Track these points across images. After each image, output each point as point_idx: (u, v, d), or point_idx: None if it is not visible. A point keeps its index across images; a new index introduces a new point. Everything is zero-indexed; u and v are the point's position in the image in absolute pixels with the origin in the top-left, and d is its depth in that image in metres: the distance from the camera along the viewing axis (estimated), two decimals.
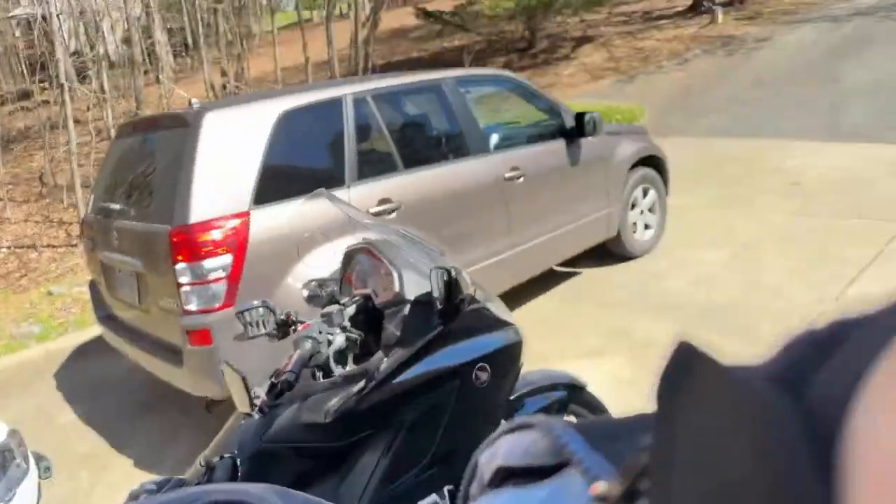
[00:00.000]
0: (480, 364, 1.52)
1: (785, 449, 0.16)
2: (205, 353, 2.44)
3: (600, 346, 3.38)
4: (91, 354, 4.22)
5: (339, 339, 1.49)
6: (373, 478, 1.43)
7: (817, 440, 0.15)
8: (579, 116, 3.82)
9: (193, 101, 2.89)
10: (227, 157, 2.59)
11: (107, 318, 3.31)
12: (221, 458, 1.47)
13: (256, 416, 1.51)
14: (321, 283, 1.95)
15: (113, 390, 3.69)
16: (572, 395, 1.96)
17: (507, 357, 1.62)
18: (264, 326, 1.69)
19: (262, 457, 1.44)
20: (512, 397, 1.74)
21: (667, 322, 3.46)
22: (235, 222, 2.51)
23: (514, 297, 4.05)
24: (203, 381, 2.53)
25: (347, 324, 1.57)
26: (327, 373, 1.61)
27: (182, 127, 2.65)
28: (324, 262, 2.62)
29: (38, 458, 1.31)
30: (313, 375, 1.61)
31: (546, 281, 4.13)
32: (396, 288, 1.53)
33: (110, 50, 12.82)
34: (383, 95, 3.17)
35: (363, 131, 3.03)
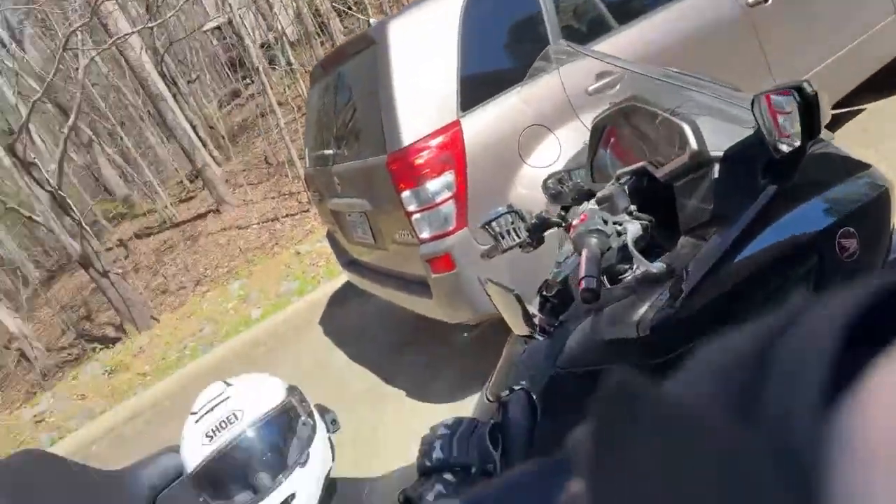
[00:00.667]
0: (844, 229, 1.04)
1: (758, 486, 0.15)
2: (450, 278, 2.28)
3: None
4: (346, 299, 4.51)
5: (633, 228, 1.12)
6: None
7: (788, 464, 0.15)
8: None
9: (371, 20, 2.65)
10: (423, 65, 2.32)
11: (349, 263, 3.39)
12: (511, 390, 1.24)
13: (540, 338, 1.23)
14: (560, 177, 1.58)
15: (372, 329, 3.87)
16: None
17: (876, 213, 1.10)
18: (516, 235, 1.39)
19: (558, 385, 1.18)
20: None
21: None
22: (448, 135, 2.25)
23: None
24: (455, 308, 2.40)
25: (634, 207, 1.19)
26: (613, 275, 1.27)
27: (369, 46, 2.44)
28: (551, 155, 2.27)
29: (323, 412, 1.19)
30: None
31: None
32: (693, 144, 1.09)
33: (287, 31, 13.65)
34: None
35: None
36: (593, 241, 1.08)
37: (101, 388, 5.23)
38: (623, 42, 2.51)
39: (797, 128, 0.91)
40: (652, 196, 1.25)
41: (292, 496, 1.09)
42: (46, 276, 16.37)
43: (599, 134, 1.53)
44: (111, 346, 6.84)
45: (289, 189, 11.69)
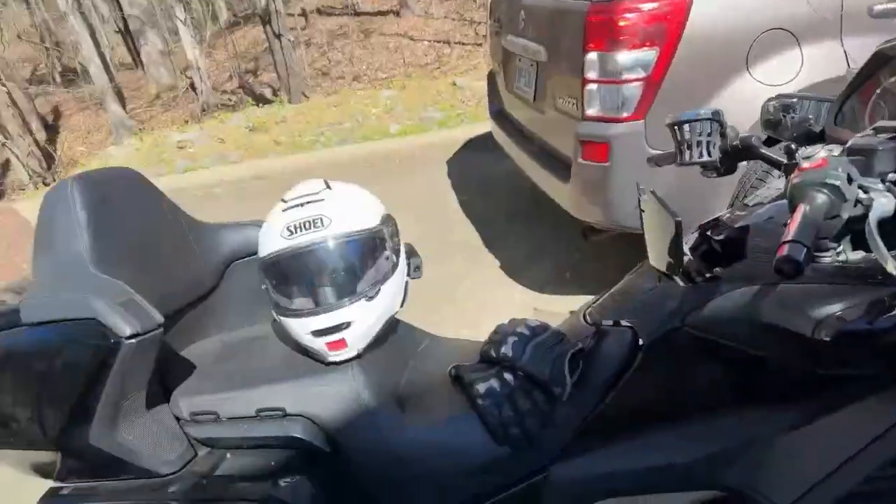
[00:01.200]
0: None
1: None
2: (598, 171, 1.99)
3: None
4: (481, 149, 4.32)
5: (885, 202, 0.79)
6: (867, 451, 0.80)
7: None
8: None
9: None
10: None
11: (498, 113, 3.13)
12: (616, 323, 1.03)
13: (679, 282, 0.99)
14: (788, 103, 1.20)
15: (494, 187, 3.71)
16: None
17: None
18: (706, 151, 1.08)
19: (676, 343, 0.95)
20: None
21: None
22: (672, 4, 1.82)
23: None
24: (588, 205, 2.13)
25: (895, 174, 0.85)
26: (819, 249, 0.95)
27: None
28: (785, 73, 1.80)
29: (410, 254, 1.06)
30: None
31: None
32: None
33: None
34: None
35: None
36: (821, 199, 0.77)
37: (240, 139, 5.57)
38: None
39: None
40: None
41: (348, 324, 0.99)
42: (232, 21, 17.29)
43: (875, 67, 1.12)
44: (261, 105, 7.21)
45: (471, 16, 11.19)
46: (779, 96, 1.21)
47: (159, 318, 0.90)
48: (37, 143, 9.13)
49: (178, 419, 1.02)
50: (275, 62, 8.71)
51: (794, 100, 1.19)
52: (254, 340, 1.19)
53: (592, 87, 1.94)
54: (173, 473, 0.98)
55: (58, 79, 13.99)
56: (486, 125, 4.09)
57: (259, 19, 9.10)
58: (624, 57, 1.86)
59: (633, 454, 0.97)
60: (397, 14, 12.53)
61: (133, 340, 0.86)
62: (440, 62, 9.35)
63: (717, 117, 1.06)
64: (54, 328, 0.88)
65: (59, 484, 1.02)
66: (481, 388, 1.02)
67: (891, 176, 0.83)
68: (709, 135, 1.07)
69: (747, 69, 1.87)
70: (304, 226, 0.99)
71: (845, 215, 0.78)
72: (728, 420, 0.93)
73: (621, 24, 1.84)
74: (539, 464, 1.00)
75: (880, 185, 0.80)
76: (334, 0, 15.60)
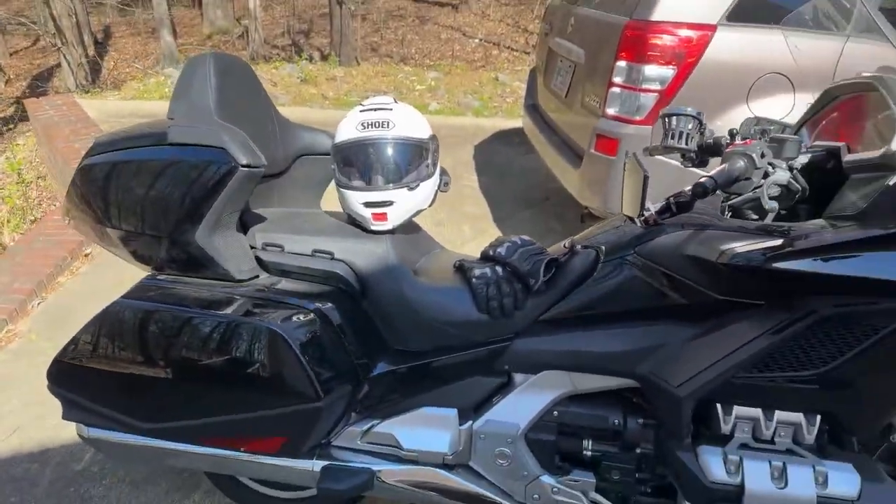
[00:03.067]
0: None
1: None
2: (605, 162, 2.33)
3: None
4: (506, 141, 4.65)
5: (781, 175, 1.13)
6: (733, 355, 1.14)
7: None
8: None
9: None
10: None
11: (531, 106, 3.47)
12: (585, 247, 1.37)
13: (640, 224, 1.32)
14: (763, 126, 1.53)
15: (511, 176, 4.04)
16: None
17: None
18: (686, 141, 1.42)
19: (625, 263, 1.28)
20: None
21: None
22: (697, 34, 2.16)
23: None
24: (592, 190, 2.47)
25: (799, 164, 1.19)
26: (738, 212, 1.30)
27: None
28: (777, 111, 2.14)
29: (443, 172, 1.39)
30: (722, 211, 1.32)
31: None
32: (894, 146, 1.06)
33: None
34: None
35: None
36: (740, 163, 1.12)
37: (290, 86, 5.91)
38: None
39: None
40: (835, 179, 1.23)
41: (391, 202, 1.33)
42: None
43: (827, 100, 1.46)
44: (315, 61, 7.55)
45: (525, 26, 11.46)
46: (750, 118, 1.53)
47: (264, 160, 1.24)
48: (87, 55, 9.49)
49: (252, 247, 1.37)
50: (331, 27, 9.06)
51: (769, 122, 1.52)
52: (311, 213, 1.54)
53: (616, 90, 2.29)
54: (243, 282, 1.32)
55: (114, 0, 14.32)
56: (517, 121, 4.42)
57: None
58: (648, 69, 2.20)
59: (575, 341, 1.31)
60: (455, 8, 12.83)
61: (245, 169, 1.20)
62: (486, 61, 9.66)
63: (699, 116, 1.40)
64: (191, 149, 1.23)
65: (156, 273, 1.37)
66: (476, 272, 1.36)
67: (791, 161, 1.18)
68: (690, 128, 1.41)
69: (746, 102, 2.21)
70: (375, 125, 1.34)
71: (754, 179, 1.13)
72: (649, 327, 1.26)
73: (652, 41, 2.18)
74: (506, 334, 1.34)
75: (783, 164, 1.15)
76: None
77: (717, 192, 1.16)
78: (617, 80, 2.27)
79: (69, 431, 1.66)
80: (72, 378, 1.32)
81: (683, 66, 2.17)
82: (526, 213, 3.53)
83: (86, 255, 2.91)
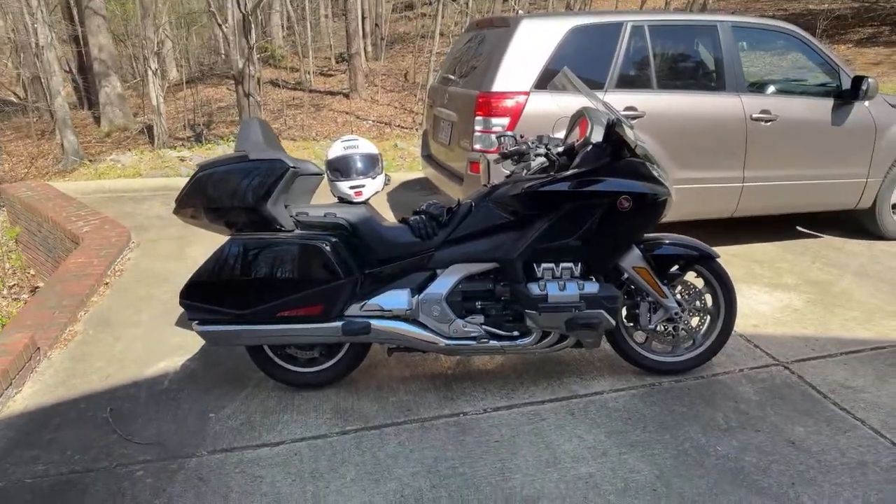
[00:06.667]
0: (626, 195, 2.40)
1: None
2: (475, 177, 3.72)
3: (792, 285, 3.74)
4: (411, 188, 6.01)
5: (542, 152, 2.52)
6: (532, 236, 2.47)
7: None
8: (857, 80, 3.95)
9: (520, 11, 4.04)
10: (527, 52, 3.70)
11: (427, 156, 4.88)
12: (467, 201, 2.67)
13: (489, 187, 2.66)
14: (545, 138, 2.93)
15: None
16: (702, 258, 2.66)
17: (651, 203, 2.43)
18: (507, 147, 2.80)
19: (484, 207, 2.59)
20: (652, 242, 2.59)
21: (873, 290, 3.64)
22: (520, 98, 3.65)
23: (745, 234, 4.52)
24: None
25: (554, 149, 2.58)
26: (532, 172, 2.67)
27: (505, 27, 3.84)
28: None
29: (387, 176, 2.65)
30: (524, 175, 2.69)
31: (782, 232, 4.47)
32: (591, 137, 2.47)
33: None
34: (659, 28, 3.88)
35: (631, 53, 3.83)
36: (524, 146, 2.50)
37: None
38: (654, 98, 3.80)
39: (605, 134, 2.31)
40: (571, 151, 2.63)
41: (363, 185, 2.57)
42: (197, 75, 18.73)
43: (574, 121, 2.91)
44: (222, 144, 8.66)
45: (411, 108, 13.18)
46: (511, 135, 2.96)
47: (290, 163, 2.45)
48: None
49: (290, 216, 2.54)
50: (240, 116, 10.27)
51: (521, 139, 2.94)
52: (314, 204, 2.74)
53: (478, 134, 3.70)
54: (290, 231, 2.48)
55: None
56: (417, 173, 5.81)
57: (228, 78, 10.73)
58: (494, 120, 3.64)
59: (466, 248, 2.58)
60: (346, 96, 14.44)
61: (292, 169, 2.40)
62: (382, 137, 11.21)
63: (514, 136, 2.78)
64: (260, 162, 2.41)
65: (237, 234, 2.50)
66: (412, 218, 2.61)
67: (553, 150, 2.57)
68: (511, 144, 2.79)
69: (552, 131, 3.69)
70: (351, 146, 2.61)
71: (533, 153, 2.50)
72: (498, 234, 2.57)
73: (493, 103, 3.64)
74: (430, 248, 2.58)
75: (543, 150, 2.54)
76: (288, 75, 17.43)
77: (516, 164, 2.54)
78: (477, 128, 3.70)
79: (141, 372, 2.66)
80: (196, 292, 2.40)
81: (514, 116, 3.64)
82: None
83: (106, 284, 3.83)
